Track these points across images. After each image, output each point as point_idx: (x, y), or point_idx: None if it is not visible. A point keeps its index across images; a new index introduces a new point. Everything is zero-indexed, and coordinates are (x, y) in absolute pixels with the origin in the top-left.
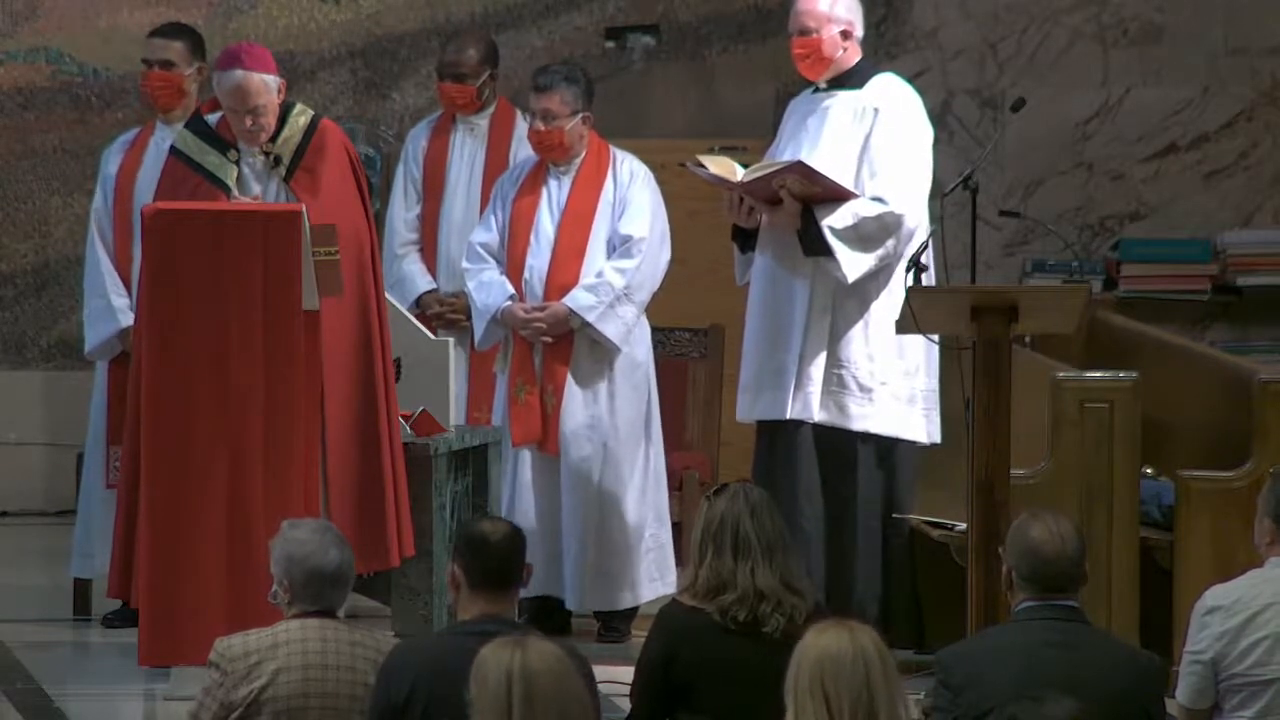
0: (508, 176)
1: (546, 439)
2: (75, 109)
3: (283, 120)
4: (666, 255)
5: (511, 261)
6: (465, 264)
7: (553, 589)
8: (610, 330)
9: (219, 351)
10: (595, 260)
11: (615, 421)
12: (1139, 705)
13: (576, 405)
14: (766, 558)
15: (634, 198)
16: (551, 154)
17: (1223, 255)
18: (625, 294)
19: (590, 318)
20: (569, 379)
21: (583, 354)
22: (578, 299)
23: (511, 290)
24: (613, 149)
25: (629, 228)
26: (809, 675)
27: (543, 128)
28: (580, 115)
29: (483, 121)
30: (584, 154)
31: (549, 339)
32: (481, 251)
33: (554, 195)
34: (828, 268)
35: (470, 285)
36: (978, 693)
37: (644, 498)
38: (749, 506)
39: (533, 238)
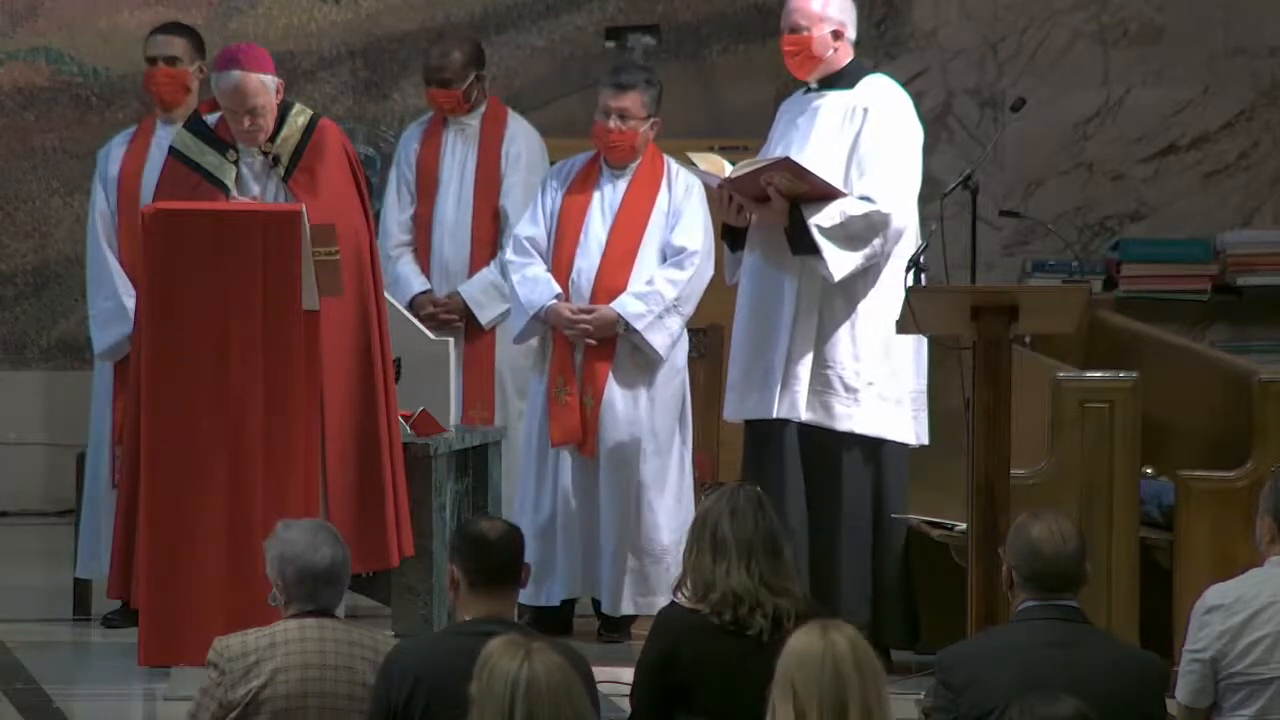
0: (556, 171)
1: (586, 440)
2: (75, 109)
3: (281, 120)
4: (711, 270)
5: (558, 259)
6: (510, 256)
7: (590, 590)
8: (657, 340)
9: (219, 351)
10: (645, 267)
11: (653, 427)
12: (1139, 705)
13: (617, 408)
14: (742, 559)
15: (689, 210)
16: (618, 155)
17: (1223, 255)
18: (675, 305)
19: (639, 326)
20: (610, 381)
21: (624, 357)
22: (627, 306)
23: (558, 288)
24: (667, 157)
25: (683, 239)
26: (781, 678)
27: (618, 127)
28: (652, 120)
29: (474, 122)
30: (640, 158)
31: (593, 341)
32: (527, 245)
33: (606, 197)
34: (814, 266)
35: (514, 278)
36: (979, 693)
37: (680, 502)
38: (729, 507)
39: (582, 238)
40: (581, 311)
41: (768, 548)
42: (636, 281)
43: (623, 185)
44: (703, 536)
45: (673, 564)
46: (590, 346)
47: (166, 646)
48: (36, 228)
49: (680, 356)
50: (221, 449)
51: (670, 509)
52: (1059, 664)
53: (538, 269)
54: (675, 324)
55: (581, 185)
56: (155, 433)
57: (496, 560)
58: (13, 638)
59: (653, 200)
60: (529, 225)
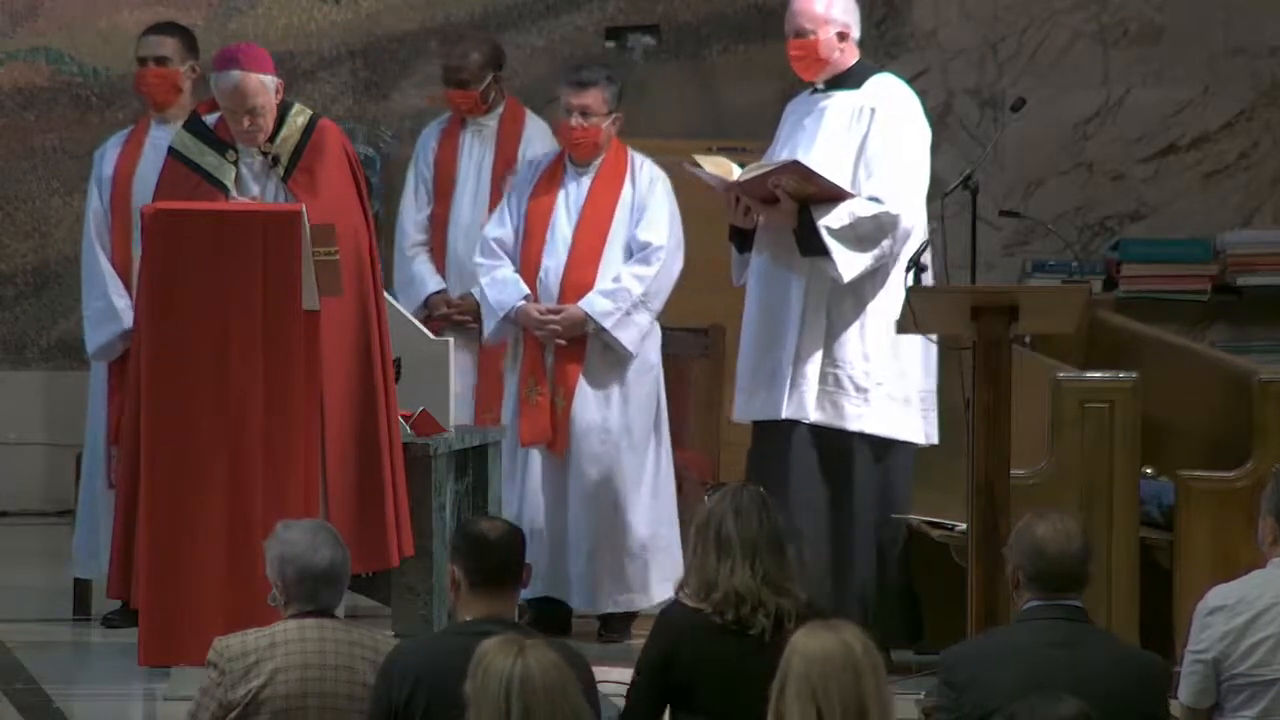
0: (524, 171)
1: (556, 439)
2: (75, 109)
3: (281, 120)
4: (680, 264)
5: (525, 259)
6: (478, 259)
7: (557, 590)
8: (625, 337)
9: (219, 351)
10: (612, 263)
11: (627, 424)
12: (1141, 705)
13: (588, 407)
14: (746, 558)
15: (654, 203)
16: (581, 151)
17: (1223, 255)
18: (642, 301)
19: (607, 324)
20: (581, 380)
21: (595, 356)
22: (595, 304)
23: (526, 289)
24: (631, 152)
25: (648, 234)
26: (796, 678)
27: (581, 124)
28: (614, 116)
29: (491, 122)
30: (604, 154)
31: (563, 341)
32: (495, 247)
33: (571, 195)
34: (824, 267)
35: (483, 280)
36: (981, 692)
37: (655, 500)
38: (734, 506)
39: (549, 236)
40: (549, 311)
41: (772, 547)
42: (603, 278)
43: (587, 182)
44: (707, 536)
45: (650, 561)
46: (560, 347)
47: (166, 646)
48: (36, 228)
49: (653, 353)
50: (221, 449)
51: (646, 506)
52: (1062, 664)
53: (506, 270)
54: (644, 319)
55: (547, 185)
56: (155, 433)
57: (497, 560)
58: (13, 638)
59: (617, 195)
60: (496, 227)
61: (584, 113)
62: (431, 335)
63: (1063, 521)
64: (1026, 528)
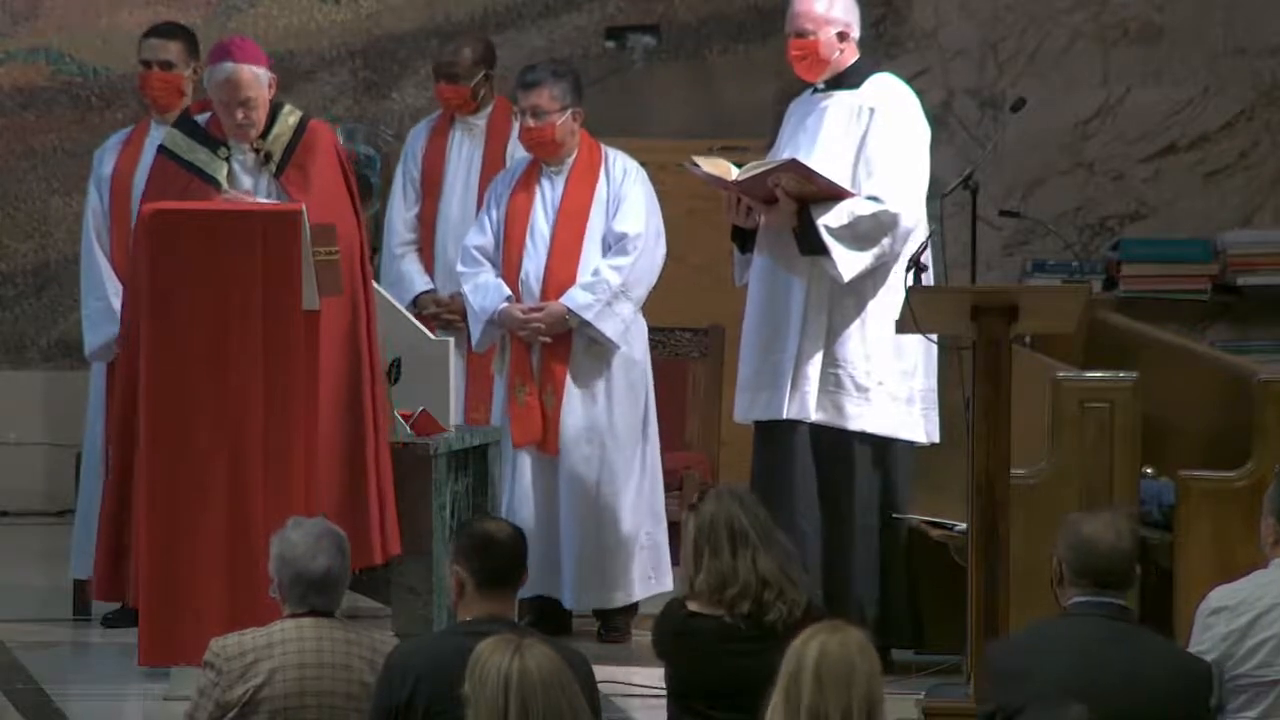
0: (501, 178)
1: (547, 439)
2: (75, 109)
3: (273, 119)
4: (662, 251)
5: (507, 263)
6: (460, 267)
7: (550, 589)
8: (608, 328)
9: (218, 351)
10: (592, 259)
11: (613, 420)
12: (1190, 708)
13: (576, 405)
14: (765, 545)
15: (627, 194)
16: (543, 151)
17: (1223, 255)
18: (622, 291)
19: (588, 316)
20: (568, 378)
21: (581, 353)
22: (575, 298)
23: (508, 292)
24: (604, 147)
25: (623, 225)
26: (793, 680)
27: (533, 124)
28: (570, 110)
29: (480, 121)
30: (576, 152)
31: (547, 339)
32: (476, 254)
33: (547, 195)
34: (824, 267)
35: (466, 288)
36: (1032, 684)
37: (640, 497)
38: (738, 500)
39: (528, 238)
40: (532, 310)
41: (778, 537)
42: (584, 273)
43: (561, 181)
44: (716, 536)
45: (637, 556)
46: (546, 346)
47: (166, 647)
48: (36, 228)
49: (639, 350)
50: (221, 449)
51: (631, 504)
52: (1114, 660)
53: (487, 276)
54: (626, 310)
55: (524, 187)
56: (155, 433)
57: (504, 560)
58: (13, 638)
59: (592, 191)
60: (476, 235)
61: (534, 113)
62: (431, 335)
63: (1114, 519)
64: (1076, 523)
